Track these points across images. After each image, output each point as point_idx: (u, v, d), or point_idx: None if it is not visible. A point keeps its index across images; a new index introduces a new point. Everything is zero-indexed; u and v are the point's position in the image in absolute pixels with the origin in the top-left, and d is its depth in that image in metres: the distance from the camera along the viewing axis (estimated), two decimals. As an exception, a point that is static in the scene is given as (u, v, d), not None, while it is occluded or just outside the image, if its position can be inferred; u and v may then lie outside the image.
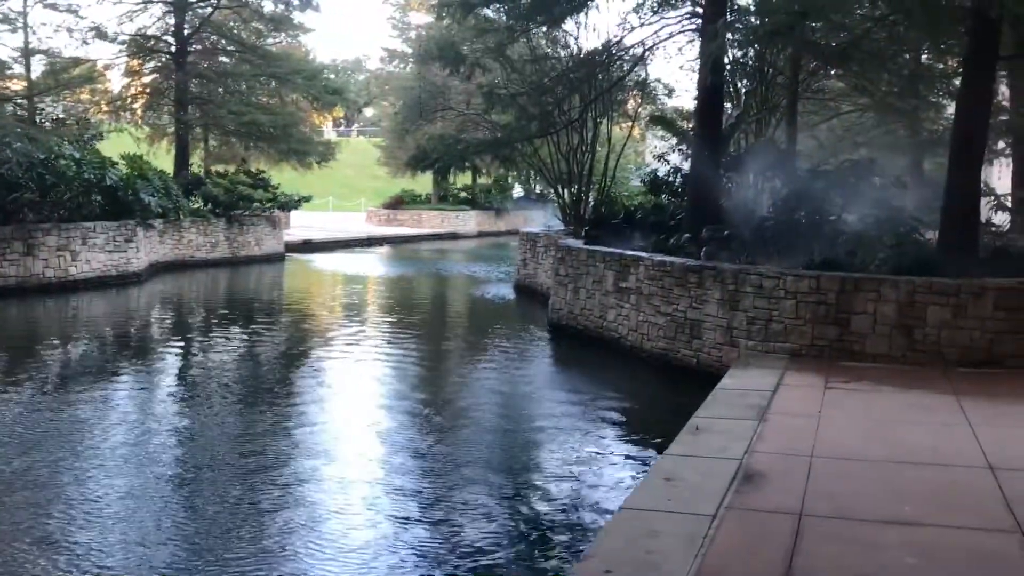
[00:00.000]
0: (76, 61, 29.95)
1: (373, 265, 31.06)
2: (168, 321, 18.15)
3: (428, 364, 13.96)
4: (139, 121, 33.24)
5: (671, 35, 18.12)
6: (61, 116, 27.12)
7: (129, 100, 33.18)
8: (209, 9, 31.65)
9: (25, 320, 17.23)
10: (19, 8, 28.44)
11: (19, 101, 25.27)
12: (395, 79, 53.44)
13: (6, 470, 7.83)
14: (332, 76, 44.94)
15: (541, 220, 26.25)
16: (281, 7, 33.56)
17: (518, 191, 52.17)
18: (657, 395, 11.55)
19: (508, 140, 22.23)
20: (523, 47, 23.26)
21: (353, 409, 10.61)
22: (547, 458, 8.73)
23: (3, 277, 18.44)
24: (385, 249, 37.64)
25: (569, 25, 22.10)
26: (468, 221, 48.56)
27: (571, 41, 23.32)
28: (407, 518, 6.93)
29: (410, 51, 50.36)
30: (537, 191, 45.56)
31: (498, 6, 20.04)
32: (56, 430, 9.19)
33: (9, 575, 5.72)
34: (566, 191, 23.43)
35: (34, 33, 28.95)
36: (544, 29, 21.70)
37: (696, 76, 17.41)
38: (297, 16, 35.10)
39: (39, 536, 6.34)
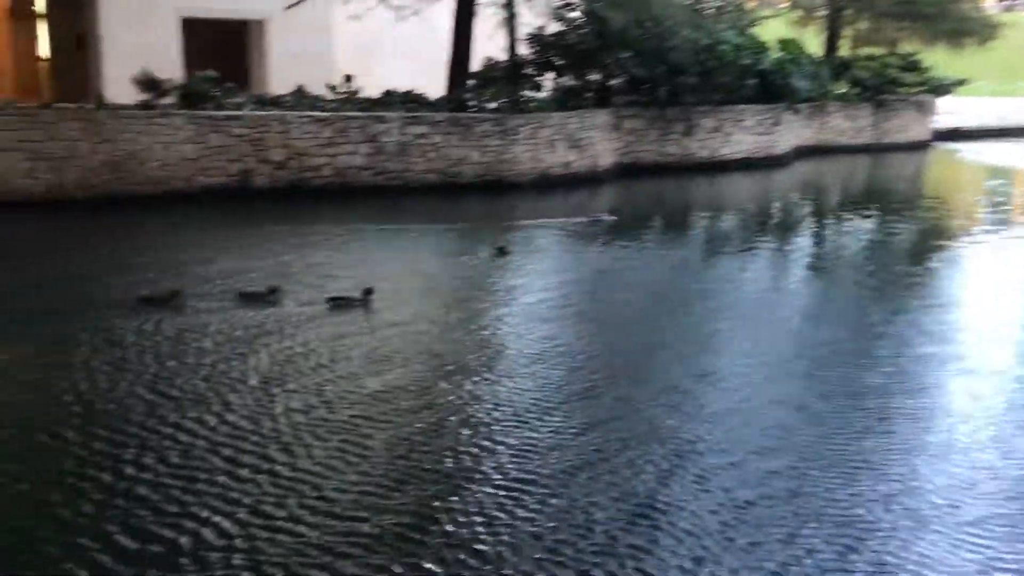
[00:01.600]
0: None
1: (1031, 158, 27.78)
2: (807, 203, 18.58)
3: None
4: (790, 5, 33.52)
5: None
6: (721, 4, 28.59)
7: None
8: None
9: (682, 194, 19.14)
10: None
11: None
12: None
13: (652, 322, 9.01)
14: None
15: None
16: None
17: None
18: None
19: None
20: None
21: (989, 312, 9.71)
22: None
23: (666, 155, 20.60)
24: (1049, 140, 33.24)
25: None
26: None
27: None
28: None
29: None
30: None
31: None
32: (694, 292, 10.32)
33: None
34: None
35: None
36: None
37: None
38: None
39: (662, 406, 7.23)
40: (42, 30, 24.04)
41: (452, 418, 6.23)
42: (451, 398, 6.61)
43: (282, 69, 21.09)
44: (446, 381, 6.97)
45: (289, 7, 17.04)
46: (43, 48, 24.16)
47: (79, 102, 16.86)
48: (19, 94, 21.13)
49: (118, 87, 16.97)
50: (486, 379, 7.05)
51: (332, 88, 17.77)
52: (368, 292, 9.03)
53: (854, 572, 4.45)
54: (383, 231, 13.22)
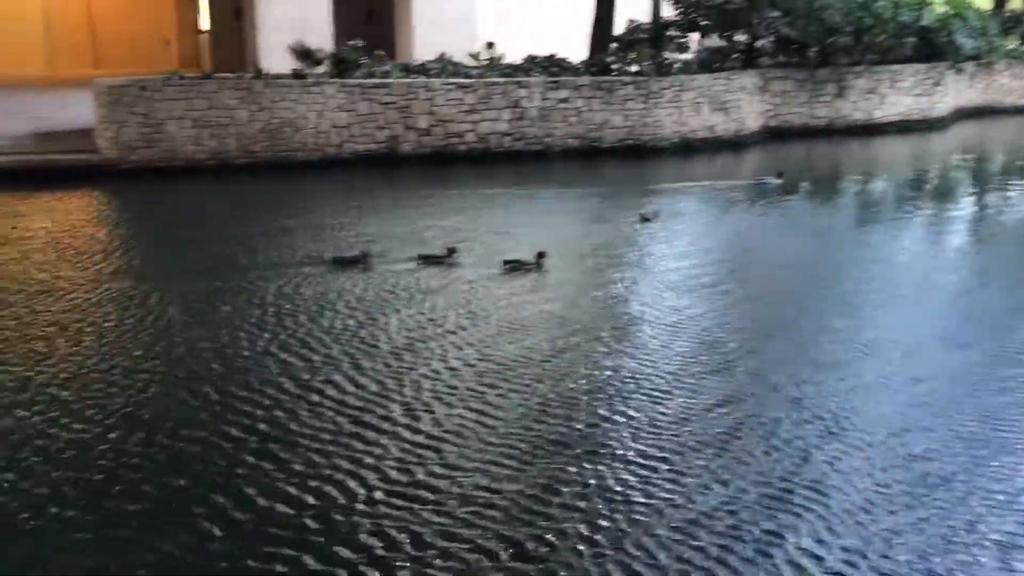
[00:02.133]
0: None
1: None
2: (967, 169, 17.48)
3: None
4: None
5: None
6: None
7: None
8: None
9: (833, 158, 18.37)
10: None
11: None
12: None
13: (796, 292, 8.70)
14: None
15: None
16: None
17: None
18: None
19: None
20: None
21: None
22: None
23: (816, 117, 19.78)
24: None
25: None
26: None
27: None
28: None
29: None
30: None
31: None
32: (843, 261, 9.93)
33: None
34: None
35: None
36: None
37: None
38: None
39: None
40: (203, 4, 25.24)
41: (580, 388, 6.24)
42: (581, 368, 6.62)
43: (425, 37, 21.40)
44: (577, 350, 6.97)
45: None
46: (204, 21, 25.36)
47: (237, 72, 17.61)
48: (182, 65, 22.26)
49: (273, 57, 17.63)
50: (618, 350, 7.03)
51: (474, 56, 17.88)
52: (541, 256, 9.18)
53: (1011, 569, 4.21)
54: (520, 197, 13.30)
